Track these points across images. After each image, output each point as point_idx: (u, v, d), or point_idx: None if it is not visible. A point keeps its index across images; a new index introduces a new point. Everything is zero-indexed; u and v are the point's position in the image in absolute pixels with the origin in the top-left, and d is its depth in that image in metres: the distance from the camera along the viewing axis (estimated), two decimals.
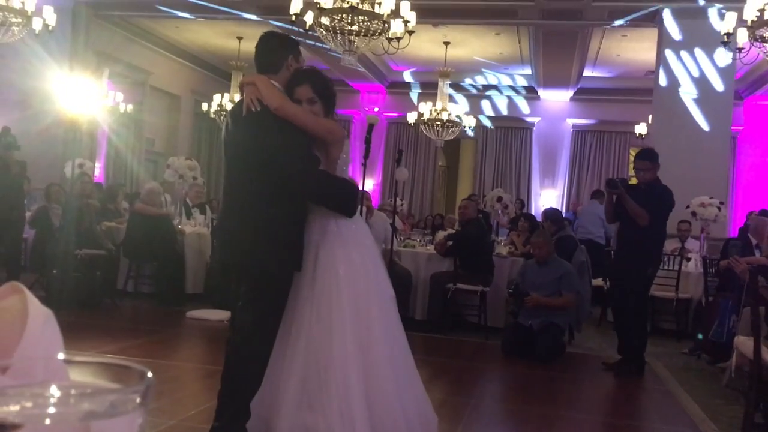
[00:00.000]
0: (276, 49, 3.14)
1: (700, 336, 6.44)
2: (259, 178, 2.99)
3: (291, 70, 3.11)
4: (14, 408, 0.43)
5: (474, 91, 14.90)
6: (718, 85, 9.47)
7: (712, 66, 9.46)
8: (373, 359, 2.94)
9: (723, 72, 9.43)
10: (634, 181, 6.00)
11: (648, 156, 5.75)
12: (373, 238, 3.34)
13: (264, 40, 3.18)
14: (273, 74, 3.09)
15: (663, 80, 9.66)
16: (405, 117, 12.63)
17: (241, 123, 3.05)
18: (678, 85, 9.55)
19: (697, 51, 9.51)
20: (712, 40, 8.93)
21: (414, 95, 14.80)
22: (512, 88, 14.78)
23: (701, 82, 9.49)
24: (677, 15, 9.52)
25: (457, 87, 14.38)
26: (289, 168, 2.96)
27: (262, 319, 2.99)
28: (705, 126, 9.46)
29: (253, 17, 10.87)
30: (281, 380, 2.92)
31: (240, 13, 10.77)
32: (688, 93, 9.50)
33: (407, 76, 14.90)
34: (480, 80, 14.68)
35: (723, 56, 8.99)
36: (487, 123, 15.14)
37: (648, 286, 6.00)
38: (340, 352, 2.88)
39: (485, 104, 15.04)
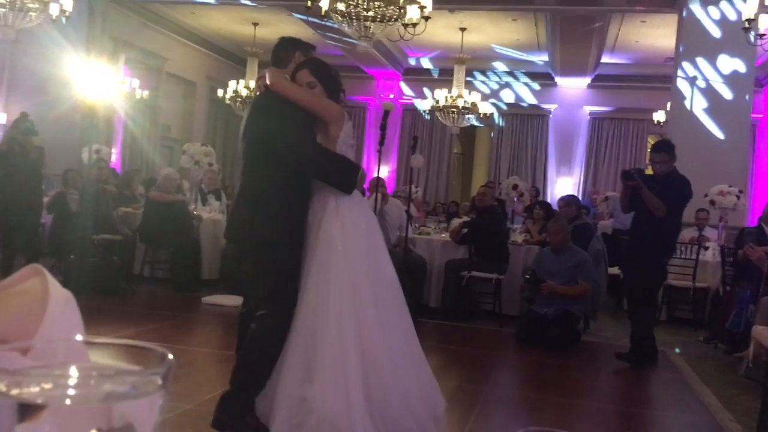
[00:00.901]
0: (285, 47, 3.40)
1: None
2: (265, 160, 3.17)
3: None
4: (36, 389, 0.43)
5: (490, 77, 14.81)
6: (739, 73, 9.33)
7: (731, 56, 9.31)
8: (367, 335, 2.99)
9: (743, 59, 9.29)
10: (650, 171, 5.94)
11: (665, 148, 5.68)
12: (373, 218, 3.40)
13: (278, 42, 3.46)
14: (282, 68, 3.33)
15: (682, 70, 9.55)
16: (420, 103, 12.58)
17: (252, 112, 3.29)
18: (697, 74, 9.42)
19: (717, 41, 9.38)
20: (733, 28, 8.83)
21: (430, 82, 14.75)
22: (529, 74, 14.67)
23: (721, 72, 9.36)
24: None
25: (473, 73, 14.29)
26: (285, 140, 3.09)
27: (278, 291, 3.09)
28: (724, 116, 9.34)
29: (270, 3, 10.86)
30: (283, 354, 3.00)
31: (251, 0, 10.76)
32: (707, 82, 9.38)
33: (423, 63, 14.84)
34: (496, 67, 14.59)
35: (744, 45, 8.86)
36: (504, 110, 15.04)
37: (662, 277, 5.94)
38: (337, 326, 2.95)
39: (501, 91, 14.95)
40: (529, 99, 14.88)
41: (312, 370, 2.92)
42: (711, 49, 9.36)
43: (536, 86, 14.77)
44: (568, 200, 7.64)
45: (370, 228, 3.26)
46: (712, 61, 9.35)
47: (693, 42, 9.46)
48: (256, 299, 3.19)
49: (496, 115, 14.82)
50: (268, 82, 3.18)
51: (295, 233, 3.13)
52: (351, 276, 3.04)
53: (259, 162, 3.21)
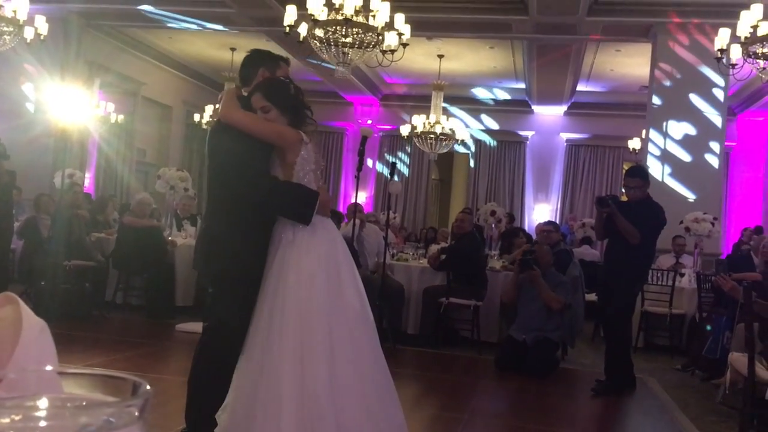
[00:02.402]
0: (249, 63, 3.30)
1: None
2: (221, 191, 3.14)
3: None
4: (6, 421, 0.40)
5: (468, 104, 14.93)
6: (712, 98, 9.51)
7: (705, 80, 9.50)
8: (309, 375, 2.76)
9: (717, 82, 9.46)
10: (625, 197, 5.99)
11: (638, 173, 5.73)
12: (339, 248, 3.08)
13: (244, 57, 3.36)
14: (247, 86, 3.25)
15: (657, 98, 9.71)
16: (398, 129, 12.64)
17: (210, 138, 3.20)
18: (672, 103, 9.58)
19: (691, 67, 9.56)
20: (706, 57, 9.03)
21: (408, 108, 14.83)
22: (506, 101, 14.82)
23: (695, 100, 9.53)
24: (672, 30, 9.58)
25: (451, 100, 14.40)
26: (236, 175, 3.02)
27: (221, 327, 3.04)
28: (698, 141, 9.50)
29: (247, 29, 10.87)
30: (230, 396, 2.91)
31: (229, 26, 10.76)
32: (682, 108, 9.54)
33: (401, 89, 14.92)
34: (474, 93, 14.72)
35: (716, 71, 9.04)
36: (481, 137, 15.16)
37: (634, 303, 5.96)
38: (276, 367, 2.77)
39: (479, 118, 15.07)
40: (507, 126, 15.01)
41: (251, 420, 2.77)
42: (694, 60, 9.53)
43: (513, 113, 14.90)
44: (553, 224, 7.82)
45: (333, 259, 3.01)
46: (692, 71, 9.52)
47: (676, 56, 9.63)
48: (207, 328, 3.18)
49: (477, 133, 14.93)
50: (220, 111, 3.14)
51: (250, 269, 2.98)
52: (303, 314, 2.83)
53: (216, 192, 3.18)
